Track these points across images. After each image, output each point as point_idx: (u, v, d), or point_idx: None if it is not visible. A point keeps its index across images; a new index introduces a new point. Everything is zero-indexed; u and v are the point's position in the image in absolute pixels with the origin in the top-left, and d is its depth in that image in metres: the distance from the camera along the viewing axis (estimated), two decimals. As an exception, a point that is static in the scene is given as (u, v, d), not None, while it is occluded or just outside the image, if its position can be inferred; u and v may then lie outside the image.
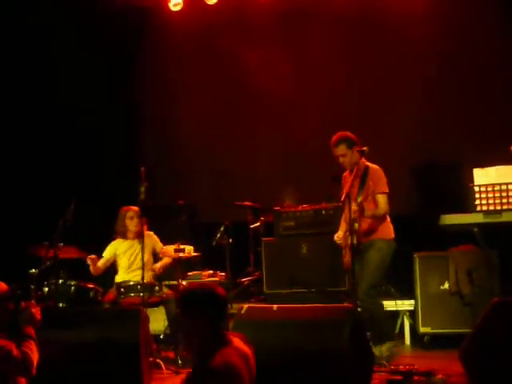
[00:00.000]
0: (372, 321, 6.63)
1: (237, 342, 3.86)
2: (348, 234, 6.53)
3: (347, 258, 6.63)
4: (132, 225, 7.72)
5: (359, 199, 6.32)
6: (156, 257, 7.80)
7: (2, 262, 7.71)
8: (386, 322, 7.00)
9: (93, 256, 7.50)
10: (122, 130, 10.02)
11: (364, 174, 6.66)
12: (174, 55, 10.46)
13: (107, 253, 7.80)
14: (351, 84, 9.62)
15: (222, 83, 10.18)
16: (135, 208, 7.60)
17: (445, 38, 9.20)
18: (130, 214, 7.72)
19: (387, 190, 6.58)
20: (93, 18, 9.53)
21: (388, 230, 6.77)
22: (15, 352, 4.11)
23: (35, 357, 4.20)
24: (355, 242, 6.48)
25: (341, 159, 6.79)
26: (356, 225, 6.48)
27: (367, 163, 6.77)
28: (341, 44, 9.73)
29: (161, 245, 7.78)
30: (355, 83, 9.59)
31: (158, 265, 7.69)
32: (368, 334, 6.03)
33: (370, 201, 6.47)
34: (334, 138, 6.81)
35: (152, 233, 7.78)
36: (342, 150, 6.75)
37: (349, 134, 6.83)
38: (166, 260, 7.71)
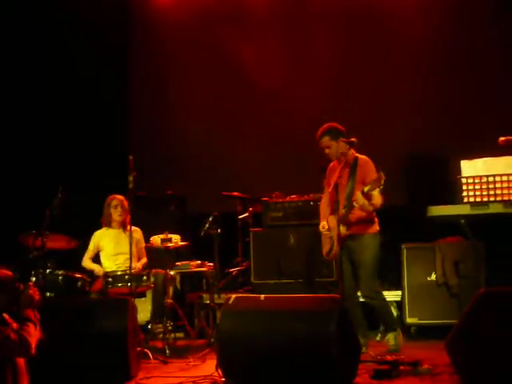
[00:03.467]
0: (379, 313, 6.83)
1: None
2: (336, 224, 6.58)
3: (335, 248, 6.65)
4: (116, 214, 7.74)
5: (366, 189, 6.32)
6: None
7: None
8: (391, 312, 7.14)
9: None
10: (111, 118, 9.99)
11: (354, 165, 6.70)
12: (165, 43, 10.42)
13: (91, 245, 7.81)
14: (341, 76, 9.61)
15: (213, 74, 10.15)
16: (120, 197, 7.65)
17: (438, 32, 9.24)
18: (114, 202, 7.74)
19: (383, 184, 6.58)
20: (80, 3, 9.55)
21: (374, 224, 6.80)
22: (12, 335, 4.28)
23: (33, 338, 4.36)
24: (346, 232, 6.57)
25: (326, 151, 6.85)
26: (348, 216, 6.56)
27: (356, 154, 6.79)
28: (336, 35, 9.72)
29: (143, 244, 7.84)
30: (345, 76, 9.60)
31: (139, 265, 7.70)
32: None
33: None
34: (319, 130, 6.87)
35: (138, 229, 7.80)
36: (325, 141, 6.82)
37: (333, 124, 6.85)
38: (143, 260, 7.78)
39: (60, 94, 9.69)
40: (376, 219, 6.80)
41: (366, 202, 6.45)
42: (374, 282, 6.80)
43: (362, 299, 7.00)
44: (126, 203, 7.60)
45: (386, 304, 6.97)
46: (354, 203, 6.47)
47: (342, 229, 6.56)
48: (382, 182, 6.25)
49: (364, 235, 6.72)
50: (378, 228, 6.81)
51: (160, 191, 9.15)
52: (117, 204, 7.72)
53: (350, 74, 9.57)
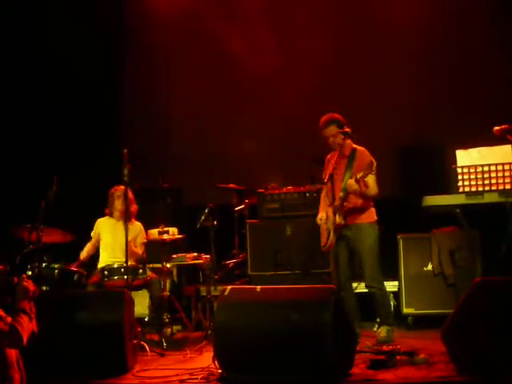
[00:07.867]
0: (379, 303, 6.79)
1: None
2: (332, 214, 6.58)
3: (331, 238, 6.65)
4: (119, 203, 7.68)
5: (359, 175, 6.31)
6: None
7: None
8: (390, 304, 7.12)
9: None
10: (105, 110, 9.96)
11: (351, 156, 6.69)
12: (160, 34, 10.40)
13: (93, 231, 7.81)
14: (337, 67, 9.62)
15: (208, 65, 10.14)
16: (123, 187, 7.60)
17: (432, 21, 9.24)
18: (117, 193, 7.70)
19: (375, 171, 6.57)
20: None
21: (372, 213, 6.79)
22: (3, 326, 4.27)
23: (25, 330, 4.33)
24: (342, 221, 6.56)
25: (331, 139, 6.76)
26: (344, 204, 6.55)
27: (354, 145, 6.78)
28: (328, 23, 9.73)
29: (142, 239, 7.78)
30: (341, 66, 9.60)
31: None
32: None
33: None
34: (324, 118, 6.79)
35: (140, 224, 7.78)
36: (332, 130, 6.72)
37: (337, 115, 6.81)
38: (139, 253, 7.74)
39: (53, 86, 9.64)
40: (373, 208, 6.79)
41: (357, 189, 6.44)
42: (377, 271, 6.80)
43: (359, 290, 7.05)
44: (130, 193, 7.55)
45: (387, 295, 6.99)
46: (347, 187, 6.45)
47: (338, 218, 6.57)
48: (374, 167, 6.26)
49: (362, 224, 6.71)
50: (375, 217, 6.80)
51: (155, 184, 9.15)
52: (119, 194, 7.67)
53: (344, 63, 9.58)
